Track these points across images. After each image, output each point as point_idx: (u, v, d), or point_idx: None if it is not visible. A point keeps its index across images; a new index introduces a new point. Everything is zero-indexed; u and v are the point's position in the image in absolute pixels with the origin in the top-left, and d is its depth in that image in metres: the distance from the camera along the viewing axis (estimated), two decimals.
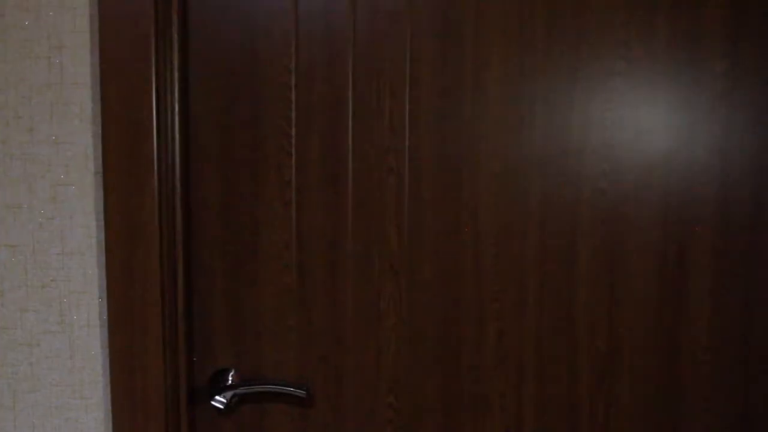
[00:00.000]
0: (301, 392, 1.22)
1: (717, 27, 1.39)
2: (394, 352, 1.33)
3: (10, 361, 1.15)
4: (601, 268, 1.38)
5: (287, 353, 1.30)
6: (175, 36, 1.16)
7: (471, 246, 1.34)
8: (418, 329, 1.33)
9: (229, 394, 1.22)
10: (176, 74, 1.16)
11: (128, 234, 1.12)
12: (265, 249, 1.28)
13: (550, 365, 1.37)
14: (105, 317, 1.13)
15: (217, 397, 1.22)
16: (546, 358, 1.37)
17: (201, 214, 1.27)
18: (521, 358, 1.37)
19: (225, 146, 1.27)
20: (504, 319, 1.36)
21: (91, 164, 1.11)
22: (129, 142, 1.10)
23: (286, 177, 1.30)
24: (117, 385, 1.13)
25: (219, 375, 1.25)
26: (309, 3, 1.30)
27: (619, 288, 1.38)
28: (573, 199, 1.38)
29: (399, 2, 1.34)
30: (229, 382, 1.23)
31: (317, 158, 1.30)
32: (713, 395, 1.44)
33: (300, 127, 1.30)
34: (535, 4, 1.42)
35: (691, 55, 1.39)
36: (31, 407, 1.16)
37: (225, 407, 1.22)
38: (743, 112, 1.41)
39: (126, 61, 1.09)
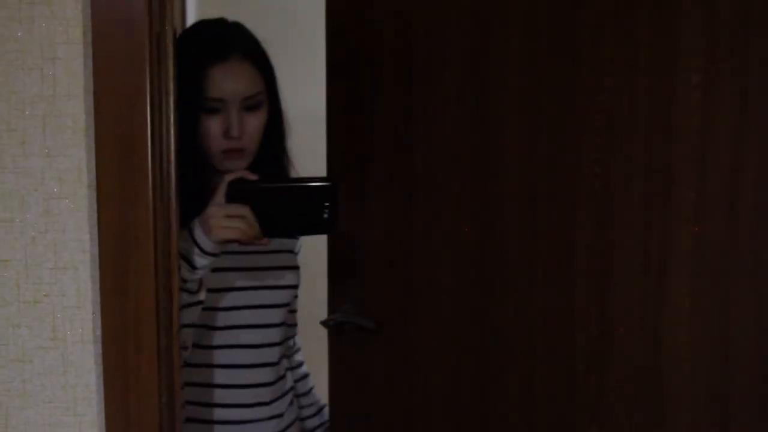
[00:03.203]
0: (371, 324, 1.75)
1: (692, 42, 1.45)
2: (447, 308, 1.75)
3: (2, 378, 1.13)
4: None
5: (378, 300, 1.81)
6: (170, 47, 1.14)
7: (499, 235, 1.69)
8: (466, 292, 1.73)
9: (338, 319, 1.77)
10: (171, 85, 1.15)
11: (122, 248, 1.10)
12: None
13: (552, 340, 1.63)
14: (99, 333, 1.12)
15: (331, 323, 1.78)
16: (549, 335, 1.64)
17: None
18: (531, 328, 1.65)
19: (353, 142, 1.81)
20: (520, 291, 1.67)
21: (84, 177, 1.10)
22: (123, 154, 1.09)
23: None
24: (111, 402, 1.12)
25: (338, 309, 1.80)
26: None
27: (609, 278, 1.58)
28: (571, 198, 1.58)
29: None
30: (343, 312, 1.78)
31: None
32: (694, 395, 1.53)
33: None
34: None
35: (669, 69, 1.45)
36: (24, 425, 1.14)
37: (336, 327, 1.79)
38: (718, 122, 1.45)
39: (119, 72, 1.08)
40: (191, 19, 2.48)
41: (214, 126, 1.45)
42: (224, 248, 1.37)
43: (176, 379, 1.15)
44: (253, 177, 1.36)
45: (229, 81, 1.44)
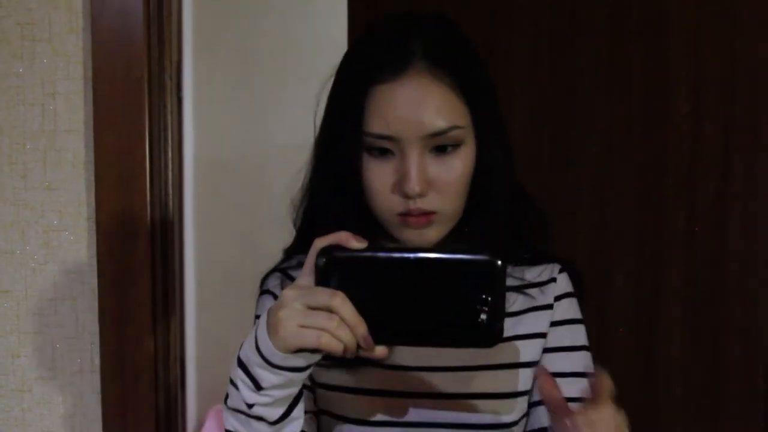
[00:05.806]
0: None
1: (681, 75, 1.52)
2: None
3: (1, 407, 1.15)
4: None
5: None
6: (168, 81, 1.16)
7: None
8: None
9: None
10: (169, 118, 1.17)
11: (121, 280, 1.12)
12: None
13: None
14: (97, 363, 1.13)
15: None
16: None
17: None
18: None
19: None
20: None
21: (84, 210, 1.12)
22: (122, 187, 1.10)
23: None
24: (109, 431, 1.13)
25: None
26: None
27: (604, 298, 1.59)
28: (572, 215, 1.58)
29: None
30: None
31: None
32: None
33: None
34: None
35: (661, 99, 1.50)
36: None
37: None
38: (706, 148, 1.51)
39: (119, 107, 1.10)
40: (188, 49, 2.42)
41: (381, 176, 0.89)
42: (313, 359, 0.79)
43: (173, 408, 1.17)
44: (358, 244, 0.79)
45: (404, 108, 0.86)
